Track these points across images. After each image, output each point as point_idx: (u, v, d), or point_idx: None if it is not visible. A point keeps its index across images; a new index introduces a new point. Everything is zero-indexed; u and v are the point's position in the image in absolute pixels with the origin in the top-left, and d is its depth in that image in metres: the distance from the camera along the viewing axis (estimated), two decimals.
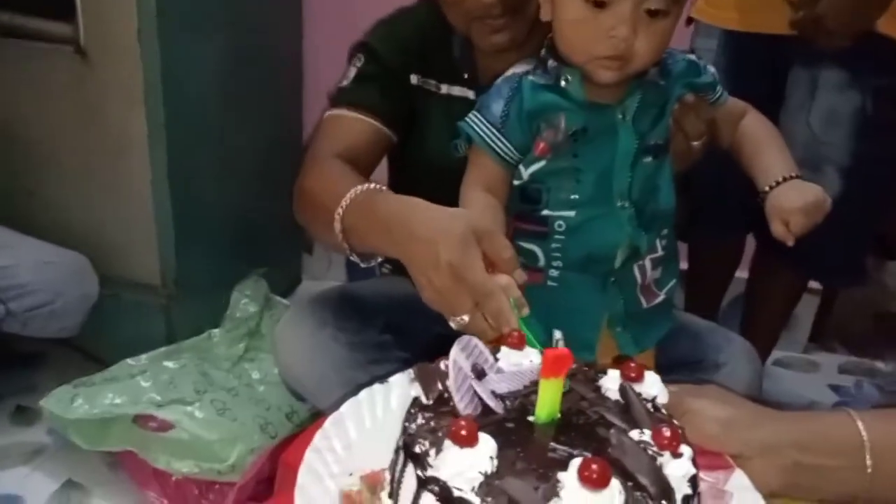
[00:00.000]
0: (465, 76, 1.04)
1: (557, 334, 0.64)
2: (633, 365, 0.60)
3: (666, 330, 0.92)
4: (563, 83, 0.79)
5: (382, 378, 0.70)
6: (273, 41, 1.68)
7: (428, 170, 1.03)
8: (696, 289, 1.57)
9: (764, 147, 0.86)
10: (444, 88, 1.06)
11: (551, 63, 0.80)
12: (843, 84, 1.19)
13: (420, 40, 1.04)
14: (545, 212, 0.83)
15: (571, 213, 0.82)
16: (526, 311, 0.68)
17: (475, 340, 0.61)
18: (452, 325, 0.71)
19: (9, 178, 1.42)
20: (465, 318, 0.69)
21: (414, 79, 1.05)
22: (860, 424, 0.60)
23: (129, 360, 1.33)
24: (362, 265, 0.90)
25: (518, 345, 0.63)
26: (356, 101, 1.02)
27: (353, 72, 1.05)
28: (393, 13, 1.09)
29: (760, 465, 0.61)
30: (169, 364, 1.33)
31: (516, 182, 0.84)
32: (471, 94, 1.04)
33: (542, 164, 0.81)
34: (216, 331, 1.46)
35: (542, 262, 0.84)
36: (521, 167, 0.83)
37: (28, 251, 1.25)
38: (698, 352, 1.06)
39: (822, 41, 1.14)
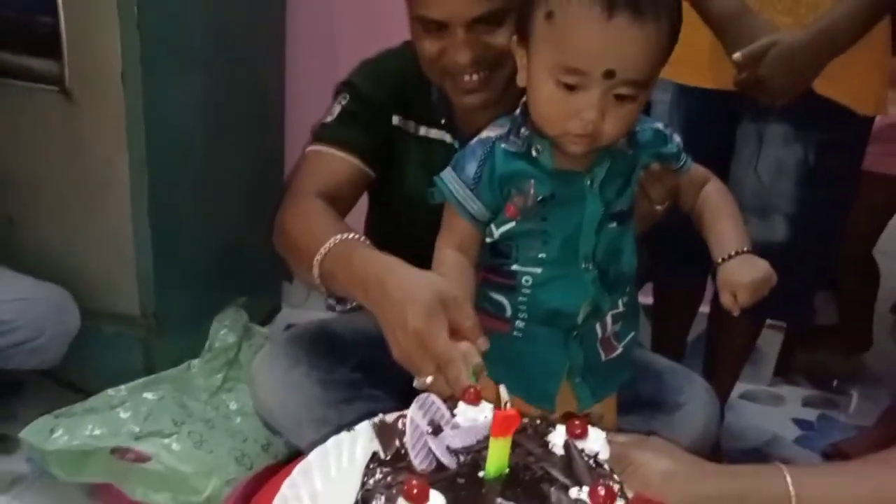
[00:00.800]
0: (443, 121, 1.08)
1: (504, 392, 0.67)
2: (577, 422, 0.65)
3: (622, 381, 0.96)
4: (533, 153, 0.83)
5: (349, 426, 0.74)
6: (255, 77, 1.73)
7: (404, 207, 1.09)
8: (662, 326, 1.62)
9: (721, 219, 0.91)
10: (423, 130, 1.10)
11: (524, 131, 0.83)
12: (788, 138, 1.26)
13: (401, 83, 1.08)
14: (514, 267, 0.86)
15: (538, 270, 0.86)
16: (484, 374, 0.72)
17: (433, 397, 0.65)
18: (416, 384, 0.76)
19: None
20: (429, 379, 0.74)
21: (395, 119, 1.09)
22: (789, 480, 0.65)
23: (110, 391, 1.36)
24: (337, 308, 0.94)
25: (474, 400, 0.67)
26: (339, 139, 1.05)
27: (337, 109, 1.08)
28: (378, 55, 1.13)
29: None
30: (148, 395, 1.36)
31: (488, 239, 0.87)
32: (447, 138, 1.08)
33: (512, 225, 0.85)
34: (195, 361, 1.49)
35: (508, 312, 0.87)
36: (492, 226, 0.86)
37: (9, 287, 1.27)
38: (659, 392, 1.10)
39: (764, 100, 1.21)
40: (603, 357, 0.91)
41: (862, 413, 1.81)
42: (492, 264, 0.88)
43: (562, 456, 0.63)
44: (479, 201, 0.84)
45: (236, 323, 1.59)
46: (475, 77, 0.96)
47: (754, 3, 1.19)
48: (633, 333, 0.95)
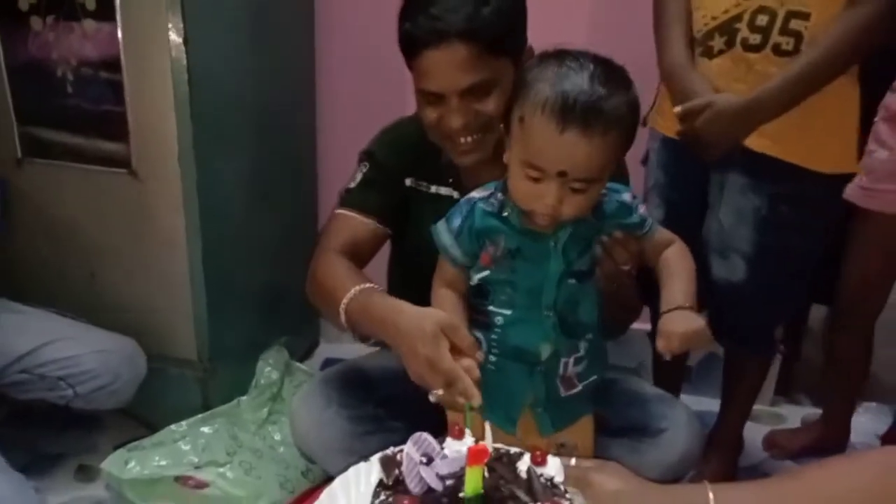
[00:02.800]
0: (451, 179, 1.25)
1: (488, 429, 0.84)
2: (538, 452, 0.82)
3: (582, 415, 1.11)
4: (505, 213, 0.99)
5: (367, 457, 0.92)
6: (291, 145, 1.95)
7: (418, 254, 1.21)
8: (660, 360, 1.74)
9: (673, 277, 1.03)
10: (434, 188, 1.25)
11: (500, 196, 1.00)
12: (745, 188, 1.36)
13: (415, 148, 1.22)
14: (490, 307, 1.03)
15: (508, 312, 1.02)
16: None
17: (425, 435, 0.83)
18: (431, 398, 0.94)
19: (74, 267, 1.70)
20: (440, 391, 0.92)
21: (408, 181, 1.25)
22: (711, 496, 0.80)
23: (172, 426, 1.56)
24: (366, 344, 1.14)
25: (458, 436, 0.85)
26: (360, 204, 1.23)
27: (358, 176, 1.25)
28: (394, 123, 1.29)
29: None
30: (205, 429, 1.56)
31: (471, 283, 1.03)
32: (455, 194, 1.24)
33: (486, 273, 1.01)
34: (244, 398, 1.69)
35: (484, 347, 1.03)
36: (471, 272, 1.03)
37: (90, 340, 1.49)
38: (644, 418, 1.24)
39: (699, 152, 1.31)
40: (562, 392, 1.06)
41: (867, 431, 1.85)
42: (473, 304, 1.04)
43: (525, 479, 0.80)
44: (459, 249, 1.02)
45: (279, 361, 1.79)
46: (469, 139, 1.12)
47: (715, 70, 1.31)
48: (595, 377, 1.09)
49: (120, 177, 1.57)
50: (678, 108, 1.30)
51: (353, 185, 1.25)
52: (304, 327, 2.16)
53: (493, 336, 1.04)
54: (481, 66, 1.07)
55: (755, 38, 1.28)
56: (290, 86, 1.89)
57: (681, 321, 0.96)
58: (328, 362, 2.12)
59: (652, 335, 1.71)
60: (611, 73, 0.91)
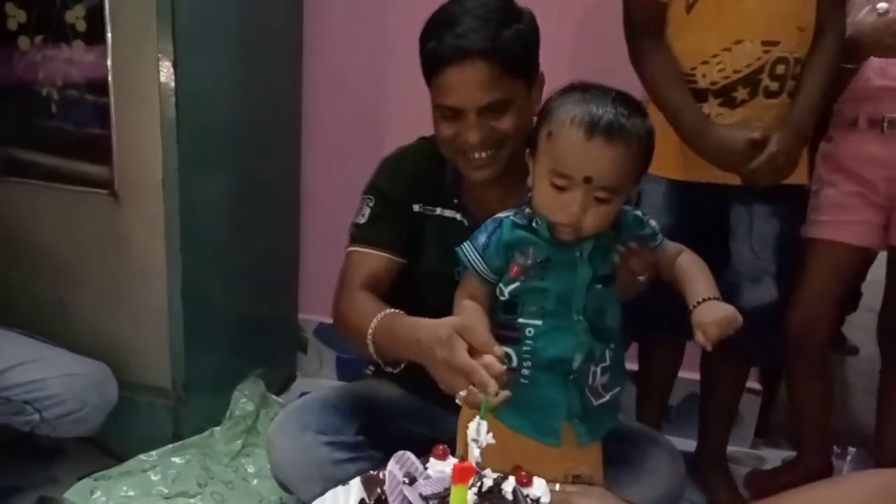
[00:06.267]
0: (455, 201, 1.27)
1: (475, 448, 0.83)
2: (523, 473, 0.81)
3: (611, 426, 1.13)
4: (534, 224, 1.04)
5: (345, 481, 0.90)
6: (274, 174, 1.95)
7: (426, 276, 1.27)
8: (646, 388, 1.76)
9: (692, 276, 1.08)
10: (438, 210, 1.28)
11: (527, 210, 1.05)
12: (768, 215, 1.49)
13: (418, 174, 1.27)
14: (520, 320, 1.05)
15: (539, 322, 1.04)
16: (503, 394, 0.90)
17: (408, 454, 0.82)
18: (458, 401, 0.93)
19: (44, 290, 1.66)
20: (463, 392, 0.92)
21: (416, 207, 1.28)
22: None
23: (142, 456, 1.51)
24: (393, 370, 1.15)
25: (442, 456, 0.83)
26: (372, 240, 1.26)
27: (367, 212, 1.28)
28: (396, 152, 1.32)
29: None
30: (176, 459, 1.52)
31: (501, 298, 1.05)
32: (458, 216, 1.27)
33: (517, 284, 1.04)
34: (217, 428, 1.65)
35: (515, 363, 1.04)
36: (502, 286, 1.05)
37: (58, 364, 1.44)
38: (631, 455, 1.25)
39: (755, 186, 1.44)
40: (593, 402, 1.08)
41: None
42: (501, 321, 1.06)
43: (511, 500, 0.79)
44: (485, 263, 1.05)
45: (254, 393, 1.76)
46: (483, 155, 1.16)
47: (738, 119, 1.41)
48: (619, 388, 1.12)
49: (100, 199, 1.55)
50: (747, 173, 1.41)
51: (362, 220, 1.28)
52: (282, 359, 2.12)
53: (525, 349, 1.05)
54: (500, 85, 1.12)
55: (774, 86, 1.41)
56: (275, 112, 1.91)
57: (711, 311, 1.00)
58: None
59: (637, 374, 1.76)
60: (630, 101, 1.02)
